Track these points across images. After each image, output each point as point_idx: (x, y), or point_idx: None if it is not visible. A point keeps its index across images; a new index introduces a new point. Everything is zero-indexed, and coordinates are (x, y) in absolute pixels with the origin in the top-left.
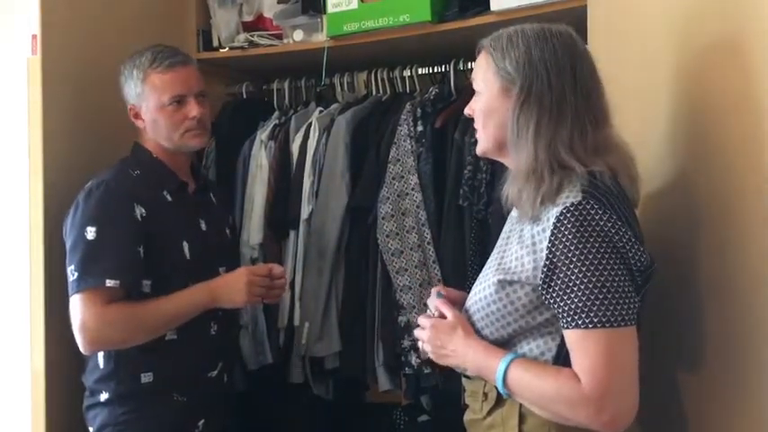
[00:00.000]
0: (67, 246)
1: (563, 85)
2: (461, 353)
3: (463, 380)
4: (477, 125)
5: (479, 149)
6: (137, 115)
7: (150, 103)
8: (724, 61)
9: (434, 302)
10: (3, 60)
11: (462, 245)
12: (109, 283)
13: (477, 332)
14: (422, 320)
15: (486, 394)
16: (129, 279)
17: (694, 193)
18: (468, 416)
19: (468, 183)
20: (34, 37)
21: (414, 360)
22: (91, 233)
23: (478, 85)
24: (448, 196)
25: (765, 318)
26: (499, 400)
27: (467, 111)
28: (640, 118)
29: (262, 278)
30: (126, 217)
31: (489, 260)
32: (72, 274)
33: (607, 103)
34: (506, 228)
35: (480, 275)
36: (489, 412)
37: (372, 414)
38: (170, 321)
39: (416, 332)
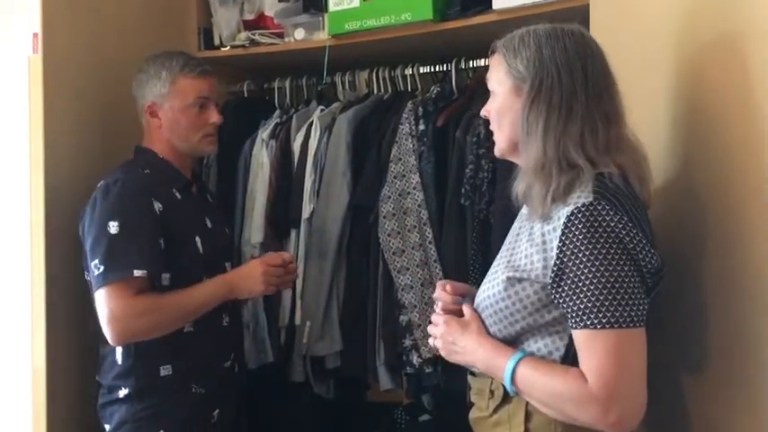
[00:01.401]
0: (88, 243)
1: (573, 84)
2: (471, 350)
3: (469, 377)
4: (493, 126)
5: (496, 151)
6: (154, 113)
7: (175, 103)
8: (724, 60)
9: (442, 296)
10: (3, 59)
11: (464, 244)
12: (136, 273)
13: (490, 327)
14: (435, 317)
15: (492, 392)
16: (154, 269)
17: (695, 193)
18: (473, 413)
19: (469, 182)
20: (35, 35)
21: (415, 359)
22: (114, 227)
23: (492, 86)
24: (449, 195)
25: None
26: (505, 398)
27: (483, 112)
28: (641, 117)
29: (276, 268)
30: (146, 210)
31: (498, 257)
32: (97, 268)
33: (620, 103)
34: (516, 225)
35: (489, 273)
36: (495, 410)
37: (373, 413)
38: (192, 312)
39: (429, 328)
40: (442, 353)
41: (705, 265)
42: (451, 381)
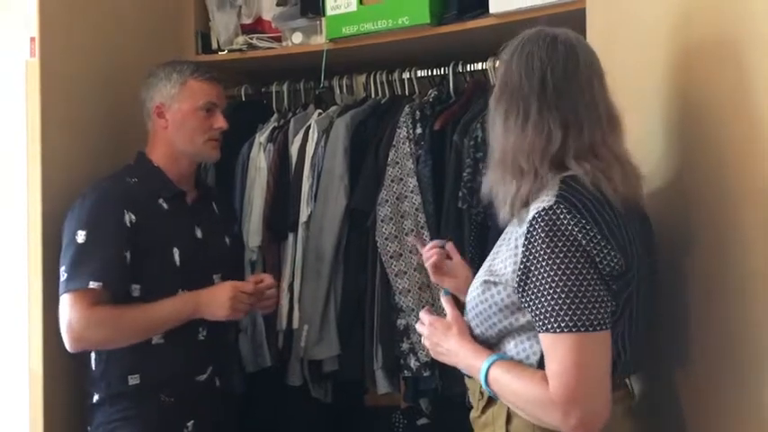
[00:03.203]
0: (62, 247)
1: (531, 89)
2: (454, 351)
3: (466, 379)
4: None
5: None
6: (161, 114)
7: (184, 104)
8: (720, 63)
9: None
10: (1, 63)
11: (461, 247)
12: (92, 284)
13: (473, 329)
14: (423, 315)
15: (482, 393)
16: (113, 281)
17: (692, 193)
18: (471, 414)
19: (466, 185)
20: (32, 39)
21: (413, 363)
22: (81, 236)
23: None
24: (447, 198)
25: (765, 318)
26: (491, 399)
27: None
28: (637, 118)
29: (247, 295)
30: (114, 222)
31: (485, 261)
32: (62, 274)
33: (593, 109)
34: (507, 229)
35: (476, 276)
36: (483, 410)
37: (371, 417)
38: (153, 327)
39: (418, 326)
40: (431, 353)
41: (701, 265)
42: (449, 384)
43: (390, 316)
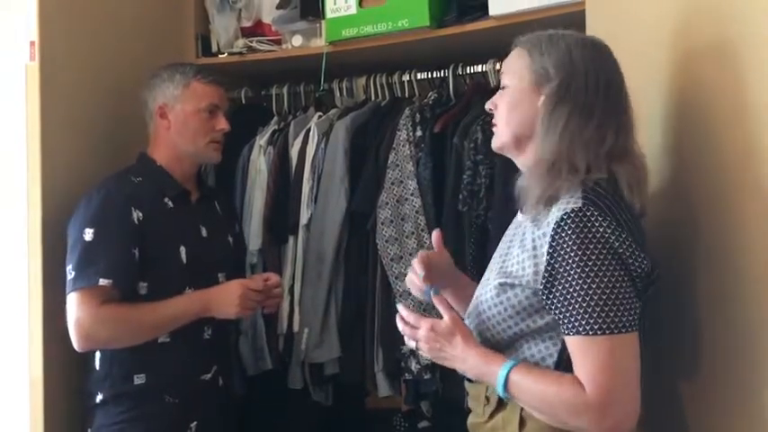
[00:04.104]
0: (68, 247)
1: (596, 90)
2: (461, 358)
3: (466, 383)
4: (498, 119)
5: (496, 143)
6: (164, 115)
7: (187, 106)
8: (719, 65)
9: (418, 267)
10: (1, 67)
11: (462, 250)
12: (102, 282)
13: (484, 332)
14: (408, 316)
15: (488, 398)
16: (122, 278)
17: (691, 196)
18: (471, 419)
19: (467, 188)
20: (32, 43)
21: (413, 365)
22: (89, 234)
23: (508, 80)
24: (447, 201)
25: (766, 319)
26: (500, 404)
27: (488, 105)
28: (637, 121)
29: (256, 292)
30: (122, 220)
31: (491, 263)
32: (69, 273)
33: (631, 115)
34: (509, 232)
35: (483, 278)
36: (491, 416)
37: (372, 420)
38: (162, 326)
39: (404, 328)
40: (428, 355)
41: (702, 268)
42: (450, 387)
43: (391, 318)
